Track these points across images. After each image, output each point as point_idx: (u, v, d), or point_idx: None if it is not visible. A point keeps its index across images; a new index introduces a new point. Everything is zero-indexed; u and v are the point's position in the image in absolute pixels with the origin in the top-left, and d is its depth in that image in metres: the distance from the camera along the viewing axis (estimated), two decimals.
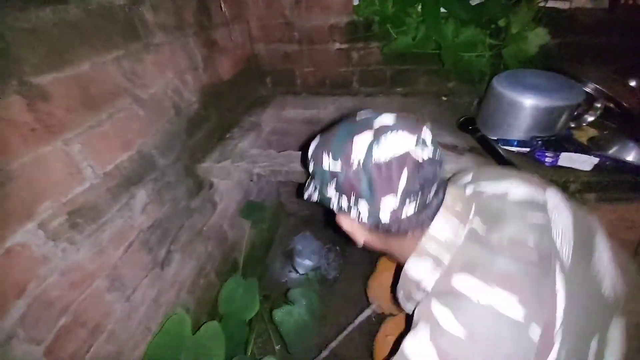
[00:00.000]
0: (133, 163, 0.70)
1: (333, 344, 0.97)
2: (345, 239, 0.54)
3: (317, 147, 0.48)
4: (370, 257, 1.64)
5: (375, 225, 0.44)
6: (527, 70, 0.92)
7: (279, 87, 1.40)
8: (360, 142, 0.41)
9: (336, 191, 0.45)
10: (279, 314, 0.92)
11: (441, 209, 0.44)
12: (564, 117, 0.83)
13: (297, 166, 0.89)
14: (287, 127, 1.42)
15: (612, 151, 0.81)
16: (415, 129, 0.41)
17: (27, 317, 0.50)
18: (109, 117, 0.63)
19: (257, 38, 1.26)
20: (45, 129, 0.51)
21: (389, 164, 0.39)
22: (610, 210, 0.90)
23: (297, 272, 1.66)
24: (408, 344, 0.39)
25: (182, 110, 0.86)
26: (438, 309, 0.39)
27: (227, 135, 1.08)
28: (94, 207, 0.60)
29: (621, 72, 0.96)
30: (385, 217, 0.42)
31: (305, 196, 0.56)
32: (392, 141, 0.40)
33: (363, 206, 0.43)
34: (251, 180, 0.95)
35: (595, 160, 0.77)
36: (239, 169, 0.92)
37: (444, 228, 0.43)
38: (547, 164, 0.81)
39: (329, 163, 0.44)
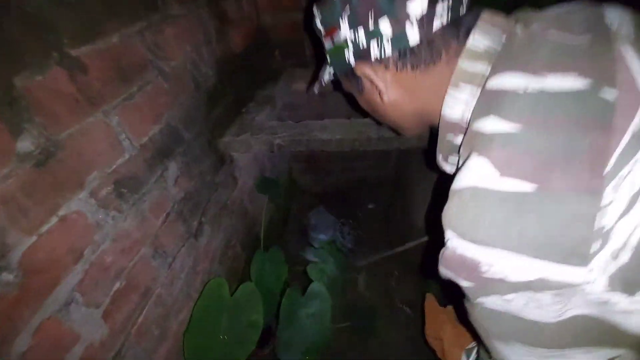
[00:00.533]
0: (163, 136, 0.71)
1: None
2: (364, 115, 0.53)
3: None
4: (384, 230, 1.69)
5: (404, 54, 0.38)
6: None
7: (289, 60, 1.38)
8: None
9: (350, 26, 0.38)
10: (313, 270, 0.97)
11: (479, 22, 0.36)
12: None
13: (317, 135, 0.91)
14: (298, 100, 1.42)
15: None
16: None
17: (85, 282, 0.53)
18: (139, 89, 0.63)
19: (264, 7, 1.22)
20: (87, 100, 0.52)
21: None
22: None
23: (312, 246, 1.71)
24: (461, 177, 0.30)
25: (201, 85, 0.87)
26: (482, 122, 0.31)
27: (243, 110, 1.08)
28: (135, 177, 0.63)
29: None
30: (413, 34, 0.35)
31: (316, 86, 0.52)
32: None
33: (385, 26, 0.36)
34: (272, 152, 0.96)
35: None
36: (259, 141, 0.93)
37: (483, 38, 0.35)
38: None
39: None
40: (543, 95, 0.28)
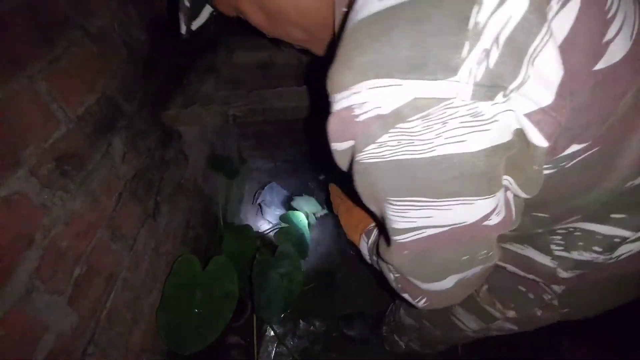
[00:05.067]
0: (101, 107, 0.63)
1: None
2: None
3: None
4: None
5: None
6: None
7: (225, 27, 1.29)
8: None
9: None
10: (280, 234, 1.00)
11: None
12: None
13: (274, 103, 0.91)
14: (240, 74, 1.36)
15: None
16: None
17: (43, 269, 0.48)
18: (64, 50, 0.55)
19: None
20: (10, 63, 0.44)
21: None
22: None
23: (269, 221, 1.73)
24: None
25: (134, 50, 0.78)
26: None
27: (184, 81, 1.01)
28: (77, 154, 0.56)
29: None
30: None
31: (183, 25, 0.42)
32: None
33: None
34: (226, 122, 0.93)
35: None
36: (211, 112, 0.89)
37: None
38: None
39: None
40: None
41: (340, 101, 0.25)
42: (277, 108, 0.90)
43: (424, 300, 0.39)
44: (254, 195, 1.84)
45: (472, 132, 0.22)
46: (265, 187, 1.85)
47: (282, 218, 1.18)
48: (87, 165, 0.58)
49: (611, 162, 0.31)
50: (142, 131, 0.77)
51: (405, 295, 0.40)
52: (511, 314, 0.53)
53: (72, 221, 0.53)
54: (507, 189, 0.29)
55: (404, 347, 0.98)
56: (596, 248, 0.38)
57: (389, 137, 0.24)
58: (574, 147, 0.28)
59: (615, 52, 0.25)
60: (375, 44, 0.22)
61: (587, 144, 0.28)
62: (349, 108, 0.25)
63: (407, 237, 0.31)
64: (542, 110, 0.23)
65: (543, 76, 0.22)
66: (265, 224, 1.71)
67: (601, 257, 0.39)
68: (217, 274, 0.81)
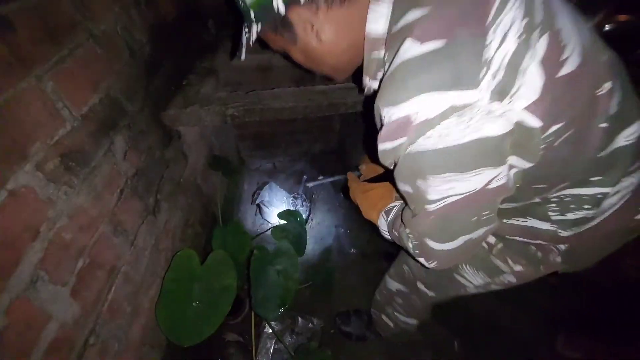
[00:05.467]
0: (105, 107, 0.66)
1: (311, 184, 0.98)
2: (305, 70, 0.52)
3: None
4: (337, 201, 1.82)
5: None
6: None
7: (224, 30, 1.33)
8: None
9: None
10: (276, 231, 1.02)
11: None
12: None
13: (270, 103, 0.93)
14: (239, 76, 1.39)
15: None
16: None
17: (47, 260, 0.50)
18: (69, 52, 0.57)
19: None
20: (19, 62, 0.46)
21: None
22: None
23: (267, 221, 1.75)
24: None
25: (136, 53, 0.80)
26: (403, 19, 0.38)
27: (184, 82, 1.03)
28: (81, 150, 0.58)
29: None
30: None
31: (243, 51, 0.51)
32: None
33: None
34: (225, 123, 0.95)
35: None
36: (210, 112, 0.91)
37: None
38: None
39: None
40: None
41: (396, 112, 0.37)
42: (273, 108, 0.92)
43: (435, 262, 0.51)
44: (253, 195, 1.86)
45: (488, 122, 0.35)
46: (264, 187, 1.86)
47: (280, 215, 1.20)
48: (90, 162, 0.60)
49: (585, 138, 0.42)
50: (143, 130, 0.80)
51: (421, 259, 0.52)
52: (518, 268, 0.61)
53: (75, 215, 0.55)
54: (510, 166, 0.40)
55: (392, 325, 1.03)
56: (586, 206, 0.48)
57: (432, 131, 0.36)
58: (555, 127, 0.39)
59: (571, 64, 0.37)
60: (423, 71, 0.35)
61: (563, 123, 0.39)
62: (406, 117, 0.36)
63: (436, 205, 0.42)
64: (534, 102, 0.35)
65: (531, 82, 0.35)
66: (265, 223, 1.73)
67: (591, 212, 0.48)
68: (215, 268, 0.83)
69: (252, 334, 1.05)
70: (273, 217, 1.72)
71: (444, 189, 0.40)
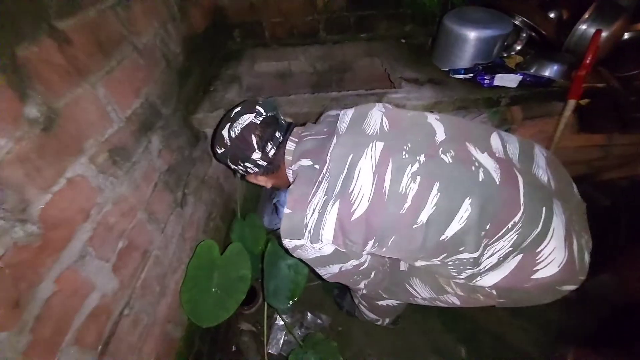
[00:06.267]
0: (144, 110, 0.75)
1: None
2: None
3: (211, 146, 0.71)
4: None
5: (264, 170, 0.68)
6: (470, 8, 1.10)
7: (248, 40, 1.42)
8: (224, 130, 0.66)
9: (232, 164, 0.68)
10: None
11: (288, 142, 0.68)
12: (498, 45, 1.04)
13: (286, 109, 1.00)
14: (260, 82, 1.48)
15: (533, 70, 1.05)
16: (252, 107, 0.65)
17: (95, 238, 0.59)
18: (118, 63, 0.67)
19: None
20: (76, 71, 0.56)
21: (241, 134, 0.63)
22: (532, 125, 1.18)
23: None
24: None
25: (171, 62, 0.90)
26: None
27: (211, 88, 1.13)
28: (125, 147, 0.67)
29: (542, 6, 1.18)
30: (262, 163, 0.66)
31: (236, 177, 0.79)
32: (239, 121, 0.64)
33: (248, 164, 0.67)
34: None
35: (519, 77, 1.00)
36: None
37: (290, 148, 0.68)
38: (485, 85, 1.02)
39: (219, 151, 0.67)
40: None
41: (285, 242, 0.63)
42: (289, 114, 0.99)
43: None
44: (270, 196, 1.94)
45: (318, 250, 0.59)
46: (281, 189, 1.93)
47: None
48: (131, 158, 0.70)
49: (409, 238, 0.57)
50: (175, 132, 0.89)
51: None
52: (459, 291, 0.68)
53: (119, 202, 0.65)
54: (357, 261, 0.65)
55: (364, 313, 1.08)
56: (468, 266, 0.58)
57: (298, 252, 0.63)
58: (370, 242, 0.59)
59: (360, 210, 0.56)
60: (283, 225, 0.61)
61: (373, 240, 0.59)
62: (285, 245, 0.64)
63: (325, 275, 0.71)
64: (334, 240, 0.58)
65: (328, 231, 0.57)
66: (280, 222, 1.80)
67: (475, 269, 0.58)
68: (233, 259, 0.90)
69: (264, 324, 1.11)
70: None
71: (321, 272, 0.69)
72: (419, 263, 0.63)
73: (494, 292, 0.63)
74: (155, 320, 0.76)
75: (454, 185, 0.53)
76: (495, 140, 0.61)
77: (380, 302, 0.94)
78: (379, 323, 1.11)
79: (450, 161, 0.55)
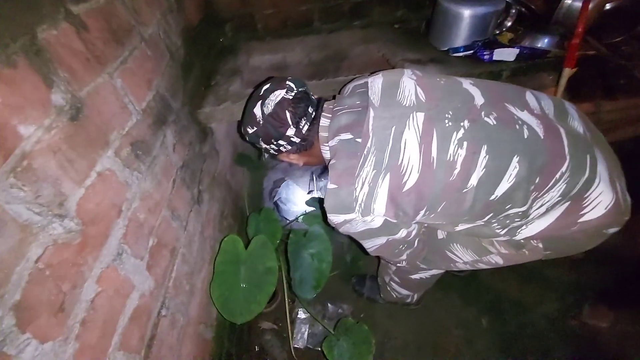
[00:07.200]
0: (157, 103, 0.72)
1: None
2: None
3: (241, 126, 0.69)
4: None
5: (298, 147, 0.67)
6: None
7: (241, 34, 1.39)
8: (256, 108, 0.64)
9: (265, 143, 0.67)
10: (307, 218, 1.07)
11: (322, 118, 0.67)
12: (492, 22, 1.07)
13: None
14: (258, 76, 1.45)
15: (527, 44, 1.09)
16: (282, 83, 0.64)
17: (128, 235, 0.55)
18: (130, 53, 0.64)
19: None
20: (95, 58, 0.52)
21: (274, 111, 0.62)
22: None
23: (285, 219, 1.79)
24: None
25: (174, 54, 0.87)
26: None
27: (212, 83, 1.10)
28: (144, 141, 0.64)
29: None
30: (296, 139, 0.65)
31: (263, 159, 0.79)
32: (271, 97, 0.63)
33: (282, 142, 0.65)
34: None
35: (517, 50, 1.04)
36: (242, 107, 0.97)
37: (324, 124, 0.67)
38: (485, 60, 1.05)
39: (250, 131, 0.66)
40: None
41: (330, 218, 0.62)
42: None
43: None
44: (270, 193, 1.91)
45: (368, 223, 0.58)
46: (281, 185, 1.91)
47: (308, 202, 1.26)
48: (151, 152, 0.66)
49: (458, 201, 0.57)
50: (185, 126, 0.86)
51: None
52: (504, 250, 0.69)
53: (145, 198, 0.61)
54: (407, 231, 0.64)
55: (392, 294, 1.09)
56: (516, 219, 0.59)
57: (345, 227, 0.62)
58: (421, 212, 0.59)
59: (412, 180, 0.55)
60: (328, 201, 0.60)
61: (424, 209, 0.59)
62: (330, 221, 0.63)
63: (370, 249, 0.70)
64: (385, 212, 0.57)
65: (380, 203, 0.56)
66: (282, 221, 1.77)
67: (522, 221, 0.59)
68: (258, 252, 0.88)
69: (287, 320, 1.09)
70: (290, 214, 1.75)
71: (368, 244, 0.69)
72: (459, 227, 0.64)
73: (540, 245, 0.64)
74: (189, 321, 0.73)
75: (501, 146, 0.54)
76: (530, 98, 0.62)
77: (413, 276, 0.95)
78: (408, 300, 1.11)
79: (494, 122, 0.55)
